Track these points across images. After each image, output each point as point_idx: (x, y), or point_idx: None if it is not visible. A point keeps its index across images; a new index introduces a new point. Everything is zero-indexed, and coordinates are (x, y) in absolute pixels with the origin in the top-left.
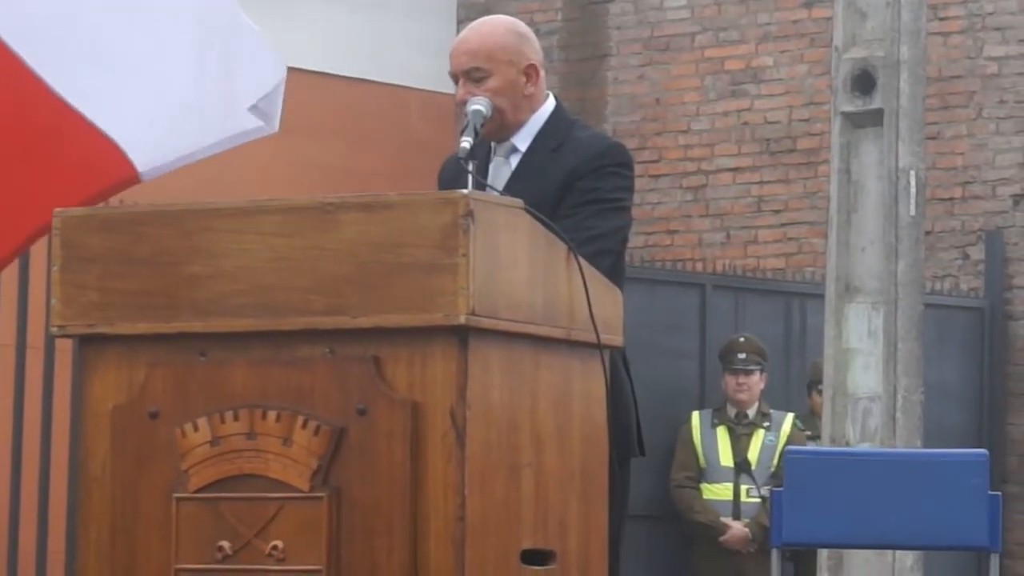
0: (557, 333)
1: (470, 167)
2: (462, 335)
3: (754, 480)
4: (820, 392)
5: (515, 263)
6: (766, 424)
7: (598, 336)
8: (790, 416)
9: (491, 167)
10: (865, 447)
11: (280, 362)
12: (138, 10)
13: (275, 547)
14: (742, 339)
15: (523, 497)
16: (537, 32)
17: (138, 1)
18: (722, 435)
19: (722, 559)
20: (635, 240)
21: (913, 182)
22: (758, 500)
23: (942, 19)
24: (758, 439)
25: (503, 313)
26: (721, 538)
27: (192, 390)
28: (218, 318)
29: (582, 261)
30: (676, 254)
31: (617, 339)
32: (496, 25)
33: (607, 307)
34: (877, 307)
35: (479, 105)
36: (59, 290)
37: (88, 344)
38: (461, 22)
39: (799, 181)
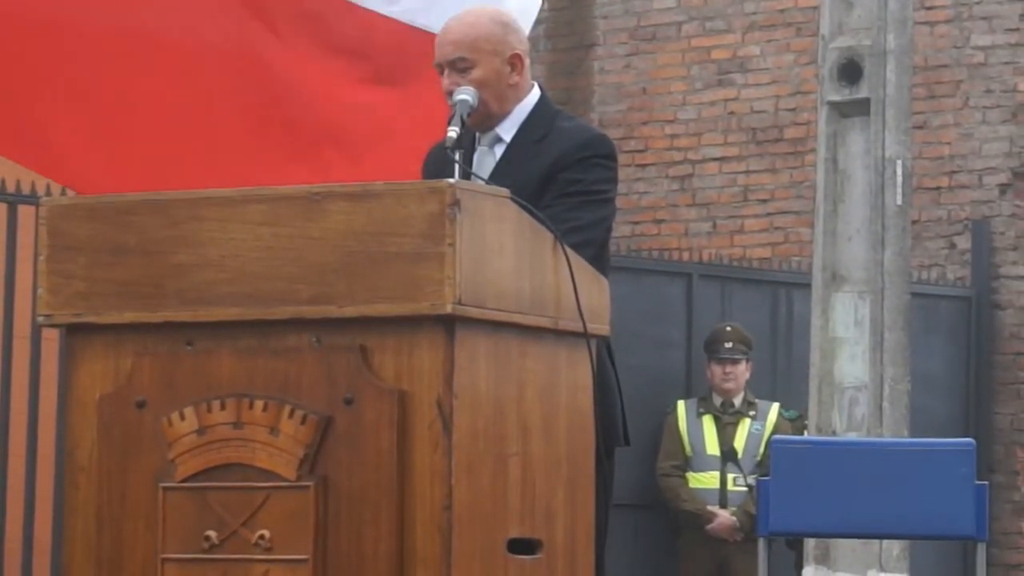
0: (544, 322)
1: (456, 156)
2: (449, 324)
3: (740, 469)
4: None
5: (502, 252)
6: (752, 413)
7: (585, 325)
8: (775, 405)
9: (476, 157)
10: (852, 436)
11: (267, 351)
12: None
13: (262, 536)
14: (728, 328)
15: (510, 486)
16: None
17: None
18: (708, 424)
19: (709, 548)
20: (621, 229)
21: (900, 171)
22: (744, 489)
23: (929, 8)
24: (744, 428)
25: (490, 302)
26: (708, 527)
27: (179, 379)
28: (205, 307)
29: (568, 250)
30: (662, 243)
31: (604, 328)
32: (480, 15)
33: (594, 296)
34: (864, 296)
35: (466, 95)
36: (46, 279)
37: (75, 333)
38: None
39: (785, 170)
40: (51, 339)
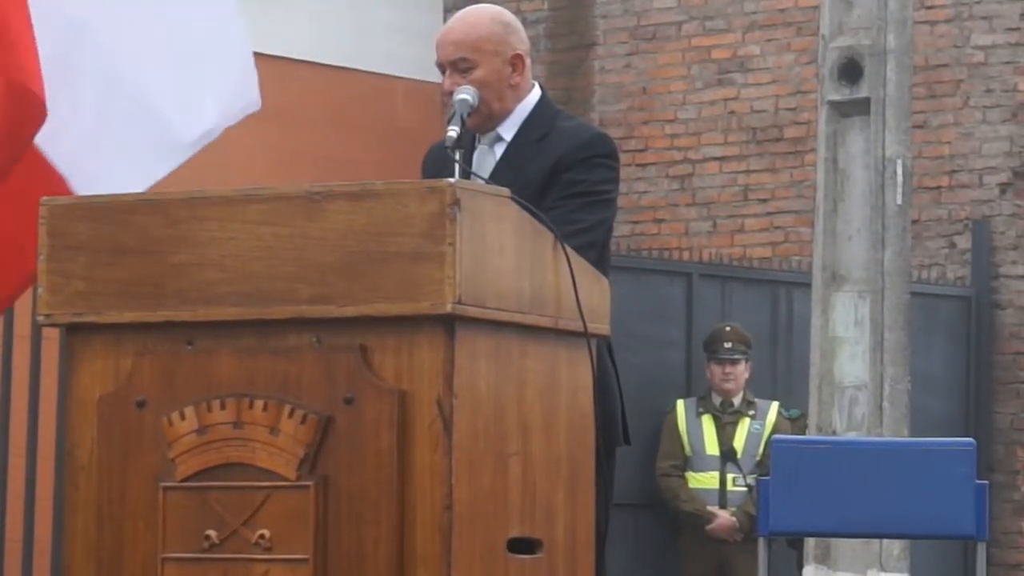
0: (544, 322)
1: (456, 156)
2: (449, 324)
3: (740, 469)
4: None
5: (502, 252)
6: (751, 413)
7: (585, 325)
8: (775, 405)
9: (475, 156)
10: (852, 436)
11: (267, 351)
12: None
13: (262, 536)
14: (728, 328)
15: (510, 485)
16: (524, 21)
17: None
18: (707, 424)
19: (708, 548)
20: (621, 229)
21: (900, 171)
22: (744, 489)
23: (928, 8)
24: (743, 428)
25: (490, 302)
26: (708, 527)
27: (179, 379)
28: (205, 307)
29: (569, 249)
30: (663, 243)
31: (604, 328)
32: (482, 15)
33: (594, 296)
34: (864, 296)
35: (466, 95)
36: (46, 279)
37: (75, 333)
38: (448, 10)
39: (786, 170)
40: (51, 339)
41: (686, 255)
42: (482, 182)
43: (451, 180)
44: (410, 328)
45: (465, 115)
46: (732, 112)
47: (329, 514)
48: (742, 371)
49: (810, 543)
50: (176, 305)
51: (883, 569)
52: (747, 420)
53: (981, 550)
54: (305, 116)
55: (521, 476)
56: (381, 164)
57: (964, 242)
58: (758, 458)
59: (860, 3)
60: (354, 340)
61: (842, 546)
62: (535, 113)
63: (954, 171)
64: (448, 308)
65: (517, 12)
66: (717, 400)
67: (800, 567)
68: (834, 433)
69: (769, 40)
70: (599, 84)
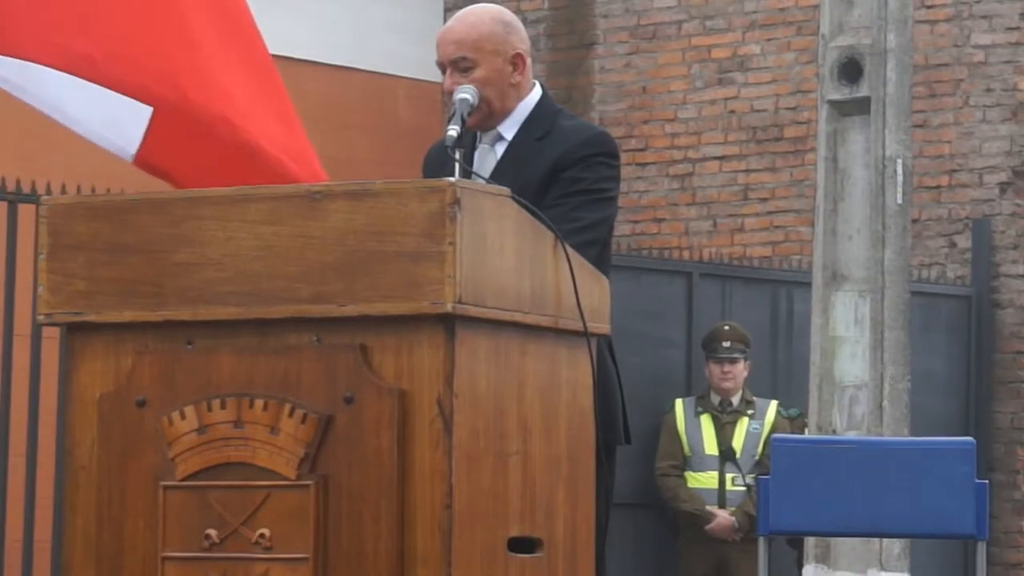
0: (544, 321)
1: (457, 155)
2: (449, 323)
3: (739, 468)
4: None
5: (502, 251)
6: (750, 412)
7: (585, 324)
8: (774, 404)
9: (476, 155)
10: (852, 435)
11: (267, 350)
12: None
13: (262, 535)
14: (726, 327)
15: (510, 485)
16: (524, 20)
17: None
18: (706, 423)
19: (708, 547)
20: (622, 228)
21: (900, 170)
22: (743, 488)
23: (929, 7)
24: (742, 427)
25: (490, 301)
26: (707, 527)
27: (179, 378)
28: (205, 306)
29: (569, 249)
30: (663, 242)
31: (604, 327)
32: (482, 14)
33: (594, 295)
34: (864, 295)
35: (466, 94)
36: (46, 278)
37: (75, 332)
38: (448, 10)
39: (786, 169)
40: (51, 338)
41: (686, 255)
42: (483, 181)
43: (451, 179)
44: (410, 327)
45: (466, 114)
46: (732, 111)
47: (329, 513)
48: (741, 370)
49: (810, 543)
50: (176, 304)
51: (883, 569)
52: (746, 419)
53: (981, 549)
54: (306, 116)
55: (521, 475)
56: (381, 164)
57: (964, 241)
58: (757, 457)
59: (860, 2)
60: (354, 339)
61: (842, 546)
62: (536, 112)
63: (954, 170)
64: (448, 307)
65: (517, 12)
66: (716, 399)
67: (800, 567)
68: (834, 432)
69: (769, 39)
70: (599, 83)
